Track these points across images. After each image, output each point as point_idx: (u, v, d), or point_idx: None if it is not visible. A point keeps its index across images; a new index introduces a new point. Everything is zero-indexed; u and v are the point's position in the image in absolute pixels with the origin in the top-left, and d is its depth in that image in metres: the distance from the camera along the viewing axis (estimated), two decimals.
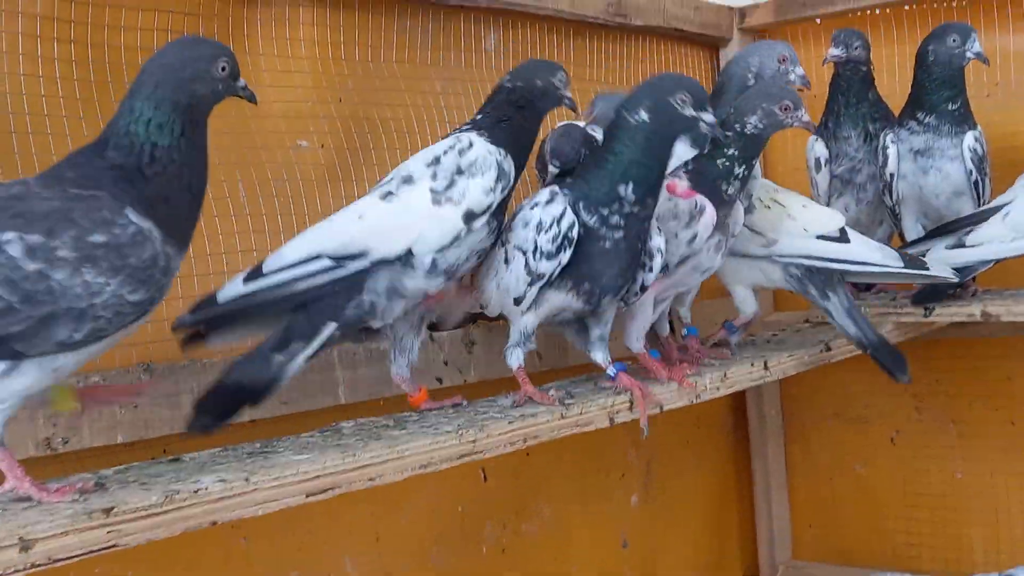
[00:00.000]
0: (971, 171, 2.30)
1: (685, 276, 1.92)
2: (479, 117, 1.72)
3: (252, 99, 1.40)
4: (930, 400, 2.89)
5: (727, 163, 1.86)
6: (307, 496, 1.32)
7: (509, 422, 1.58)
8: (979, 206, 2.34)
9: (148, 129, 1.26)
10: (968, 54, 2.26)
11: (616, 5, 2.60)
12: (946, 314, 2.31)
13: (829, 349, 2.19)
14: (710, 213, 1.83)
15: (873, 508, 2.97)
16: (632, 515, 2.64)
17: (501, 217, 1.68)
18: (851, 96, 2.43)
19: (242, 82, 1.37)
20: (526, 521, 2.41)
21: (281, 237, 1.95)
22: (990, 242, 2.21)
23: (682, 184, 1.84)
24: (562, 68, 1.77)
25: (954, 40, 2.27)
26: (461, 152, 1.64)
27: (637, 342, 1.88)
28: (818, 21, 2.93)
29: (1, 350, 1.16)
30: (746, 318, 2.20)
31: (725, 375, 1.94)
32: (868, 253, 2.11)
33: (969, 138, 2.30)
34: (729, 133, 1.85)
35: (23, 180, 1.24)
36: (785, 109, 1.87)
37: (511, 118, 1.70)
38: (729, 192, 1.86)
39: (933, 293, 2.31)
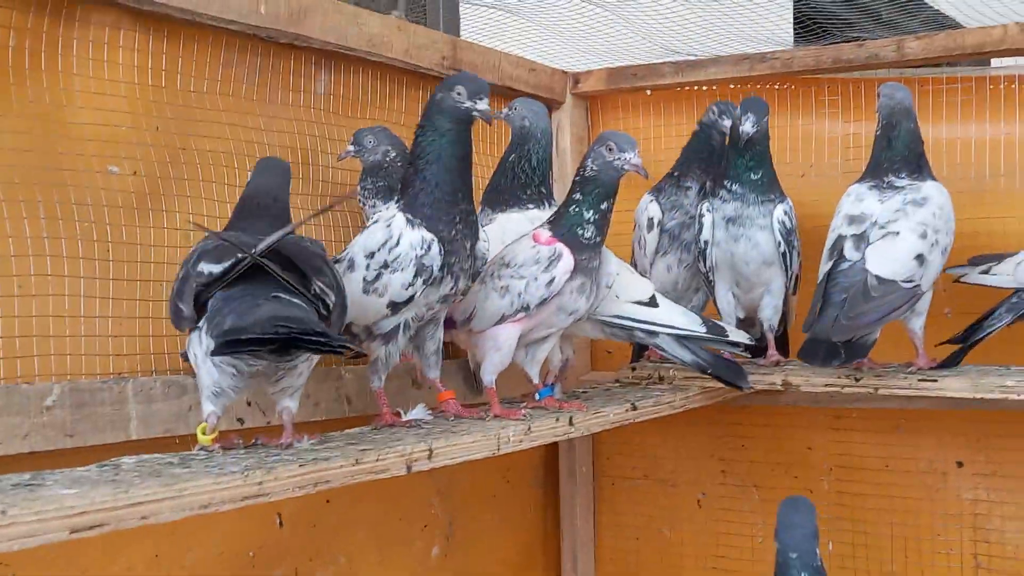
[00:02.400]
0: (780, 242, 2.38)
1: (551, 316, 2.07)
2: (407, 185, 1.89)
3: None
4: (735, 465, 2.97)
5: (577, 209, 2.02)
6: (71, 532, 1.25)
7: (300, 465, 1.54)
8: (787, 276, 2.43)
9: None
10: (747, 131, 2.35)
11: (451, 59, 2.62)
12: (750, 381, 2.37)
13: (635, 408, 2.23)
14: (567, 259, 2.00)
15: (677, 569, 3.02)
16: (432, 567, 2.60)
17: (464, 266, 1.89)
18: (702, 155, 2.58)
19: None
20: (320, 569, 2.34)
21: (80, 264, 1.88)
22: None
23: (544, 233, 2.04)
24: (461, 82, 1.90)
25: (737, 113, 2.39)
26: (390, 248, 1.83)
27: (489, 376, 2.05)
28: (648, 92, 3.02)
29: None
30: (556, 370, 2.30)
31: (529, 428, 1.95)
32: (674, 318, 2.27)
33: (779, 210, 2.39)
34: (577, 179, 2.03)
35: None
36: (610, 150, 1.99)
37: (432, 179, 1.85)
38: (586, 236, 2.01)
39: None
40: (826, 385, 2.30)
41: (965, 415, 2.65)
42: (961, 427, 2.70)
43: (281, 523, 2.28)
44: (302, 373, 1.65)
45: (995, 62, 3.36)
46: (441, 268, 1.84)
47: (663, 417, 2.94)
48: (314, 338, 1.48)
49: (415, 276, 1.82)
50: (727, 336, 2.26)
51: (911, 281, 2.20)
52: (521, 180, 2.34)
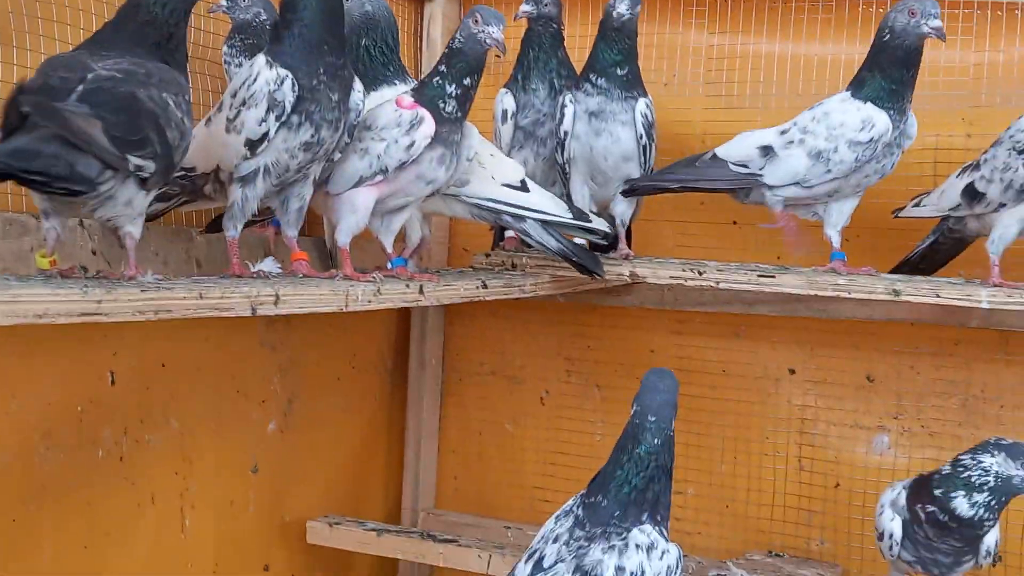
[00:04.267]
0: (641, 135, 2.42)
1: (409, 184, 2.09)
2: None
3: None
4: (580, 364, 3.04)
5: (440, 82, 2.06)
6: None
7: (142, 291, 1.52)
8: (644, 171, 2.48)
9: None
10: (621, 13, 2.38)
11: None
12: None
13: (486, 287, 2.26)
14: (428, 123, 2.03)
15: (518, 463, 3.08)
16: (267, 442, 2.59)
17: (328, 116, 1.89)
18: (540, 51, 2.53)
19: None
20: (150, 432, 2.32)
21: None
22: None
23: (407, 99, 2.07)
24: None
25: (611, 3, 2.41)
26: (248, 86, 1.85)
27: (344, 237, 2.06)
28: None
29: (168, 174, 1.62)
30: (413, 246, 2.31)
31: (379, 290, 1.96)
32: (544, 203, 2.31)
33: (641, 104, 2.42)
34: (445, 51, 2.07)
35: (106, 52, 1.60)
36: (476, 22, 2.04)
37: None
38: (447, 110, 2.05)
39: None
40: (671, 277, 2.36)
41: (799, 324, 2.77)
42: (795, 336, 2.81)
43: (113, 381, 2.24)
44: (124, 202, 1.55)
45: None
46: (298, 112, 1.84)
47: (514, 315, 3.02)
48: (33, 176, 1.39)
49: (267, 112, 1.83)
50: (590, 223, 2.31)
51: (744, 166, 2.35)
52: (382, 60, 2.37)
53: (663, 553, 1.74)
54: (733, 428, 2.88)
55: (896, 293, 2.17)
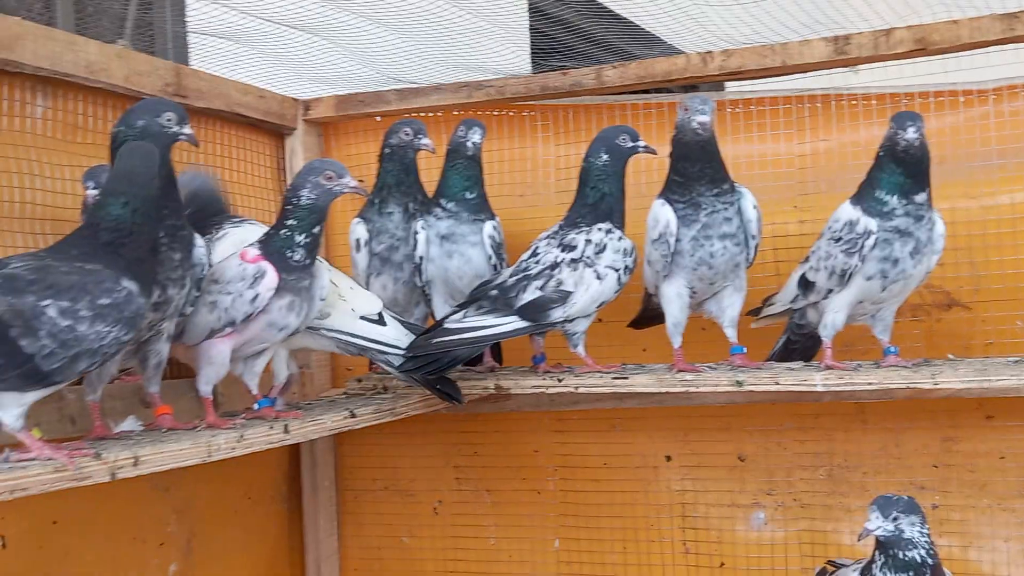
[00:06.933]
0: (491, 256, 2.55)
1: (262, 332, 2.17)
2: None
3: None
4: (468, 471, 3.12)
5: (288, 233, 2.14)
6: None
7: None
8: None
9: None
10: (476, 143, 2.56)
11: (175, 86, 2.68)
12: (466, 387, 2.51)
13: (354, 416, 2.34)
14: (271, 276, 2.11)
15: (419, 575, 3.14)
16: None
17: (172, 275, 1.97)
18: (399, 176, 2.66)
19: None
20: None
21: None
22: None
23: (252, 252, 2.14)
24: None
25: (460, 131, 2.56)
26: None
27: (204, 386, 2.14)
28: (378, 119, 3.15)
29: (43, 382, 1.65)
30: (280, 384, 2.39)
31: (242, 436, 2.03)
32: (399, 337, 2.38)
33: (488, 227, 2.56)
34: (289, 207, 2.14)
35: (40, 254, 1.74)
36: (329, 178, 2.14)
37: None
38: (295, 259, 2.14)
39: None
40: (533, 387, 2.46)
41: (671, 413, 2.89)
42: (668, 424, 2.94)
43: (4, 545, 2.27)
44: None
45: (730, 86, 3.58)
46: None
47: (401, 430, 3.09)
48: None
49: None
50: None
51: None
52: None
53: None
54: (619, 518, 2.98)
55: (739, 384, 2.30)
